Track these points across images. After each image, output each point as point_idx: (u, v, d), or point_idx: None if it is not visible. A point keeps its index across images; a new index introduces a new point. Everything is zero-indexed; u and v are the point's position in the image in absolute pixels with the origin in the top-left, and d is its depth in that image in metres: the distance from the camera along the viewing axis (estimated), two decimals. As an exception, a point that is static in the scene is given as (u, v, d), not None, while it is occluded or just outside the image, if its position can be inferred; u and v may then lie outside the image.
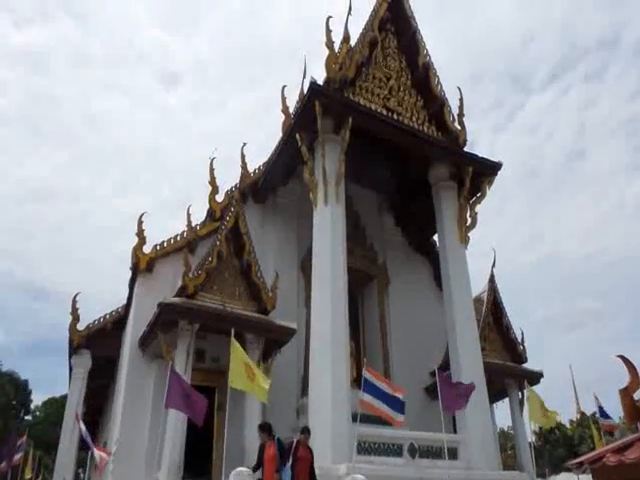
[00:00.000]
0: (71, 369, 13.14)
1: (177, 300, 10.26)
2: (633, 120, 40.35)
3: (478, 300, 14.39)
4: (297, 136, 11.49)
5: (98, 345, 12.13)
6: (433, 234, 14.52)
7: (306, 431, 7.18)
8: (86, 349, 12.33)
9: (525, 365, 14.37)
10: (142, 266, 11.53)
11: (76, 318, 12.20)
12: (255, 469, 7.02)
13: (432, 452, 9.95)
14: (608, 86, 40.79)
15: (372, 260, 14.53)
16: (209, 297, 10.69)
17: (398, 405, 8.32)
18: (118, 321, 12.51)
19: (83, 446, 11.72)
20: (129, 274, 12.02)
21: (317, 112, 10.95)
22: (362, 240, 14.39)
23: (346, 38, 12.71)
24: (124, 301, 12.51)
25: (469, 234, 12.91)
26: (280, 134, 13.40)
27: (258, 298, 11.13)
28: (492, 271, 14.75)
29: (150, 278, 11.65)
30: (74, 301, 12.22)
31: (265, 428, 7.13)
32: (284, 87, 13.67)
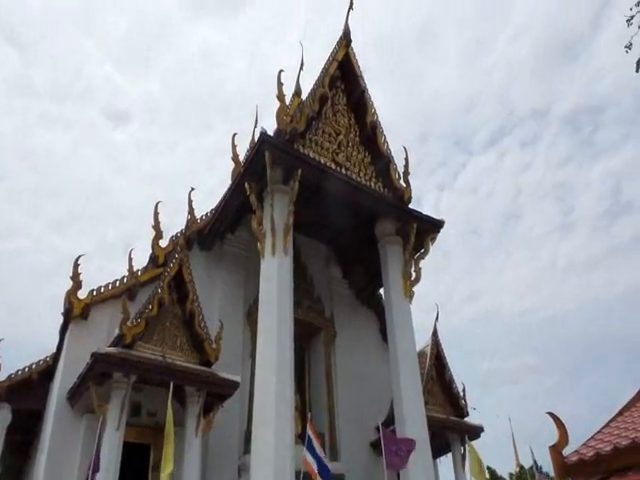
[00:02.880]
0: (-14, 425, 11.97)
1: (113, 350, 9.74)
2: (562, 185, 43.56)
3: (422, 354, 14.47)
4: (246, 185, 11.52)
5: (21, 398, 11.12)
6: (379, 287, 14.63)
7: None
8: (6, 402, 11.28)
9: (467, 419, 14.39)
10: (76, 312, 10.88)
11: (-4, 368, 11.18)
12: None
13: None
14: (541, 152, 44.17)
15: (319, 312, 14.45)
16: (148, 347, 10.23)
17: (326, 474, 8.23)
18: (45, 371, 11.58)
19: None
20: (61, 320, 11.31)
21: (267, 162, 11.06)
22: (309, 292, 14.31)
23: (297, 92, 13.04)
24: (54, 349, 11.68)
25: (414, 288, 13.07)
26: (230, 181, 13.38)
27: (201, 349, 10.76)
28: (435, 325, 14.93)
29: (84, 325, 10.99)
30: (-5, 348, 11.26)
31: None
32: (234, 135, 13.84)
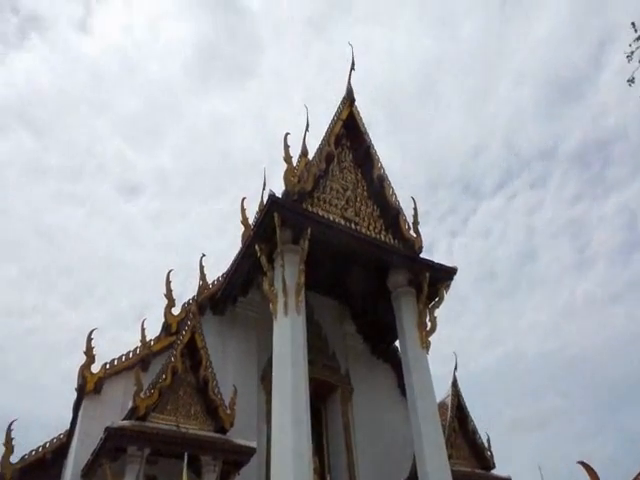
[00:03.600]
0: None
1: (126, 423, 9.60)
2: (576, 222, 43.23)
3: (442, 405, 14.07)
4: (256, 247, 11.55)
5: (35, 478, 10.89)
6: (395, 340, 14.39)
7: None
8: (20, 485, 11.02)
9: (494, 471, 13.84)
10: (89, 387, 10.77)
11: (10, 449, 10.96)
12: None
13: None
14: (551, 192, 44.13)
15: (335, 369, 14.19)
16: (162, 418, 10.08)
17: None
18: (59, 449, 11.38)
19: None
20: (75, 396, 11.19)
21: (276, 224, 11.10)
22: (324, 349, 14.11)
23: (304, 152, 13.33)
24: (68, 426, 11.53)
25: (430, 338, 12.83)
26: (240, 244, 13.44)
27: (215, 416, 10.58)
28: (454, 375, 14.57)
29: (97, 400, 10.86)
30: (9, 430, 11.06)
31: None
32: (243, 199, 14.00)
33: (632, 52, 5.73)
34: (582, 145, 46.17)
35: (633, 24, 5.68)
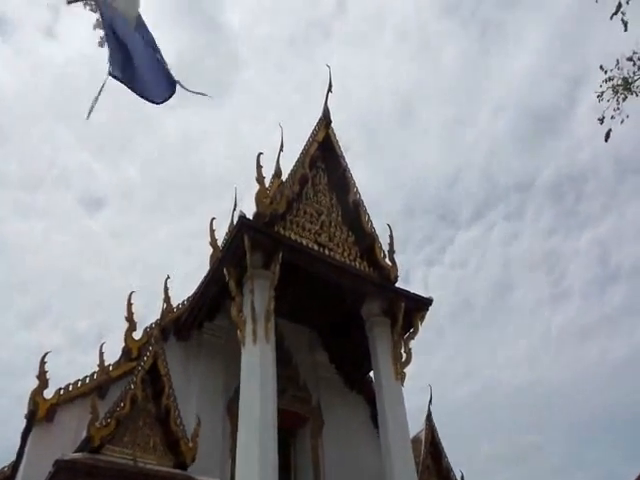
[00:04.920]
0: None
1: (78, 456, 8.90)
2: (551, 254, 43.67)
3: (416, 440, 13.59)
4: (225, 270, 11.18)
5: (-26, 516, 10.03)
6: (369, 371, 13.98)
7: None
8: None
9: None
10: (40, 414, 10.02)
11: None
12: None
13: None
14: (527, 224, 44.71)
15: (305, 400, 13.63)
16: (118, 450, 9.38)
17: None
18: (4, 483, 10.55)
19: None
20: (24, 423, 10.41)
21: (246, 247, 10.79)
22: (294, 379, 13.56)
23: (277, 174, 13.05)
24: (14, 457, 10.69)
25: (405, 370, 12.53)
26: (208, 266, 12.98)
27: (176, 449, 9.92)
28: (429, 408, 14.15)
29: (49, 429, 10.11)
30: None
31: None
32: (213, 220, 13.47)
33: (602, 92, 6.08)
34: (557, 179, 47.17)
35: (602, 67, 6.07)
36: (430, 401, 14.06)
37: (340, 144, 13.90)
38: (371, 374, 13.78)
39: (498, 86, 45.28)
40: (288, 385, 12.98)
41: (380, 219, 14.73)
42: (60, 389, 10.53)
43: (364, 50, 47.49)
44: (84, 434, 9.37)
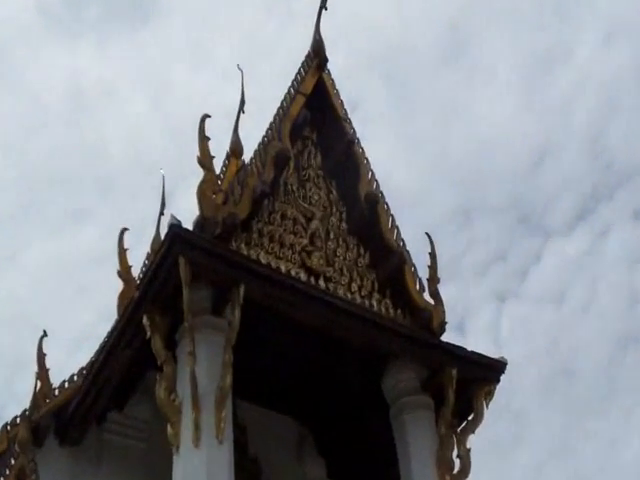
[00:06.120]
0: None
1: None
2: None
3: None
4: (145, 319, 7.16)
5: None
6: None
7: None
8: None
9: None
10: None
11: None
12: None
13: None
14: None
15: None
16: None
17: None
18: None
19: None
20: None
21: (182, 277, 6.97)
22: (267, 511, 8.78)
23: (235, 150, 8.96)
24: None
25: (459, 485, 8.39)
26: (116, 314, 8.59)
27: None
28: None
29: None
30: None
31: None
32: (123, 231, 8.51)
33: None
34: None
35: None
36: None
37: (343, 99, 9.31)
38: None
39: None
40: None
41: (413, 225, 10.13)
42: None
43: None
44: None
